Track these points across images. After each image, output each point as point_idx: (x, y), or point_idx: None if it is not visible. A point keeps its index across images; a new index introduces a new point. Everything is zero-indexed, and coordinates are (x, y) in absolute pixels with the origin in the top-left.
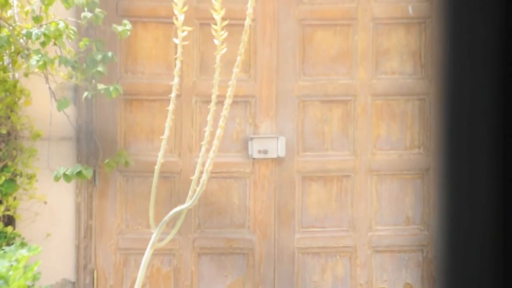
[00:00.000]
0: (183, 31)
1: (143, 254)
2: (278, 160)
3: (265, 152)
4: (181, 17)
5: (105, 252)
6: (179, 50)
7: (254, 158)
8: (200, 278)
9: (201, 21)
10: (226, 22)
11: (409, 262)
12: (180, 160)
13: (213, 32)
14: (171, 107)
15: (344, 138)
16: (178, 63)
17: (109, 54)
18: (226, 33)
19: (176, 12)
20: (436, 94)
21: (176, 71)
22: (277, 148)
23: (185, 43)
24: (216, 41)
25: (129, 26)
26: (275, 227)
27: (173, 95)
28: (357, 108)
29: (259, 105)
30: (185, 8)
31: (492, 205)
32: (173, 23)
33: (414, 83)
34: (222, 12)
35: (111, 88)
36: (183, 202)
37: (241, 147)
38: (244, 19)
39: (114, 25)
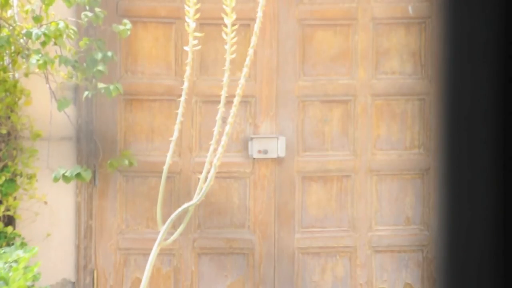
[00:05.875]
0: (195, 38)
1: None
2: (278, 160)
3: (265, 152)
4: (193, 25)
5: (105, 252)
6: (190, 56)
7: (254, 158)
8: (200, 278)
9: (201, 21)
10: (236, 27)
11: (409, 262)
12: (180, 160)
13: (224, 36)
14: (180, 110)
15: (344, 138)
16: (188, 69)
17: (109, 53)
18: (236, 38)
19: (188, 19)
20: (436, 94)
21: (186, 76)
22: (277, 148)
23: (197, 48)
24: (226, 46)
25: (129, 25)
26: (275, 227)
27: (182, 98)
28: (357, 108)
29: (259, 105)
30: (197, 16)
31: (492, 205)
32: (173, 23)
33: (414, 83)
34: (233, 17)
35: (112, 88)
36: (183, 202)
37: (241, 147)
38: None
39: (114, 25)
